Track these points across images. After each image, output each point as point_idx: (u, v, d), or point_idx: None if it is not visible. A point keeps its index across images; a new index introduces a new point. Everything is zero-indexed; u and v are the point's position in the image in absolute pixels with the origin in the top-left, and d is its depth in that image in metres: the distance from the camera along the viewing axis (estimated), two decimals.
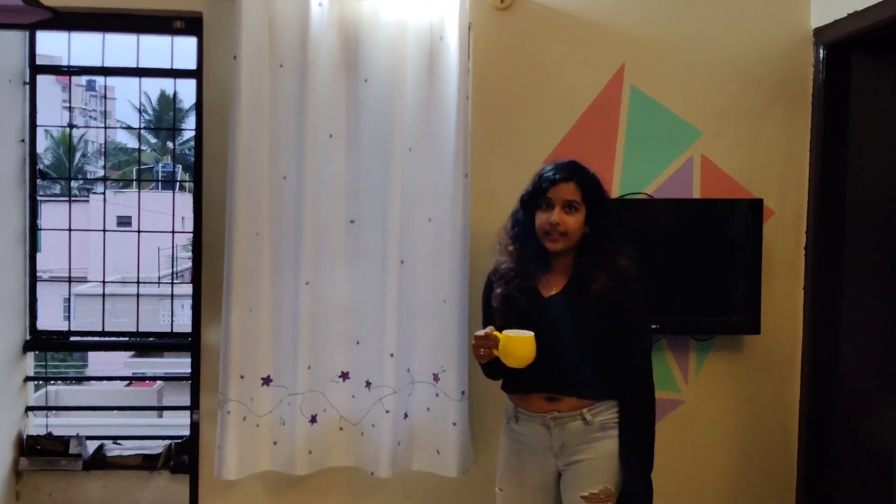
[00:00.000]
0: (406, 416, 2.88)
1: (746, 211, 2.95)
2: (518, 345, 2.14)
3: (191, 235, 3.06)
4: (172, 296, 3.93)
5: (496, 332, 2.17)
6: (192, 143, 3.11)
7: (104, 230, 3.55)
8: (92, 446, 3.58)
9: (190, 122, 3.88)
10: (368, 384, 2.86)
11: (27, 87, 3.37)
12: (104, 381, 9.62)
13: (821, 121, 2.99)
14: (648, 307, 2.27)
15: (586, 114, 3.00)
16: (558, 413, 2.22)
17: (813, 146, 3.04)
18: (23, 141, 3.38)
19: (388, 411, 2.83)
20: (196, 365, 3.03)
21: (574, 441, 2.22)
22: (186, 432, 3.27)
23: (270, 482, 3.03)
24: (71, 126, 4.85)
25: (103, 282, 3.59)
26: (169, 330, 3.77)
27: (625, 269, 2.22)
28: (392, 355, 2.81)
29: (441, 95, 2.82)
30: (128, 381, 9.08)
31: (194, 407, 3.04)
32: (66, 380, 8.72)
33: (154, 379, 6.96)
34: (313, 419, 2.87)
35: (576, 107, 3.01)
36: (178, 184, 9.50)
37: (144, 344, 3.90)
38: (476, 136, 2.96)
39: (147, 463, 3.54)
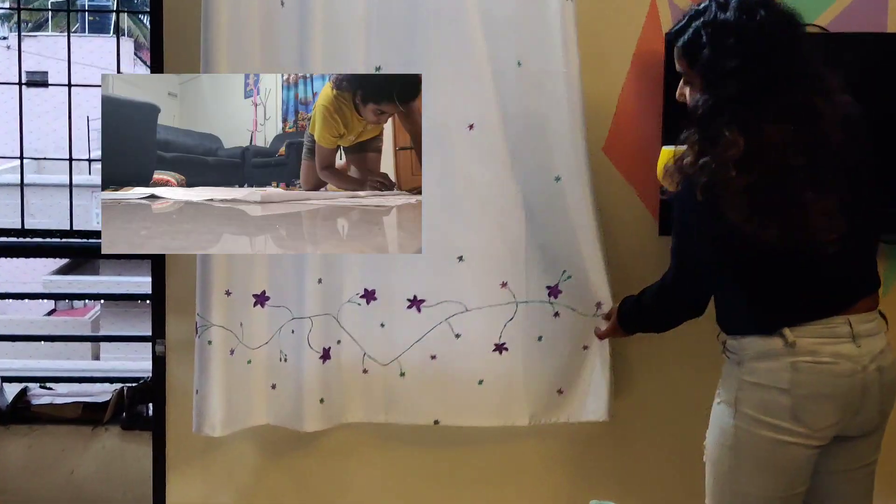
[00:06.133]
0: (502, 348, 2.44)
1: None
2: None
3: None
4: None
5: None
6: None
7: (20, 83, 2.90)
8: (11, 392, 3.18)
9: None
10: (417, 302, 2.39)
11: None
12: (16, 304, 8.75)
13: None
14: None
15: None
16: None
17: None
18: None
19: (458, 335, 2.40)
20: (159, 277, 2.60)
21: None
22: (141, 374, 2.99)
23: (268, 440, 2.62)
24: None
25: (21, 158, 2.88)
26: None
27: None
28: (461, 259, 2.35)
29: None
30: (50, 309, 8.41)
31: (158, 336, 2.62)
32: None
33: (92, 298, 6.33)
34: (325, 354, 2.43)
35: None
36: (115, 24, 8.26)
37: (79, 249, 3.25)
38: None
39: (88, 414, 3.16)
